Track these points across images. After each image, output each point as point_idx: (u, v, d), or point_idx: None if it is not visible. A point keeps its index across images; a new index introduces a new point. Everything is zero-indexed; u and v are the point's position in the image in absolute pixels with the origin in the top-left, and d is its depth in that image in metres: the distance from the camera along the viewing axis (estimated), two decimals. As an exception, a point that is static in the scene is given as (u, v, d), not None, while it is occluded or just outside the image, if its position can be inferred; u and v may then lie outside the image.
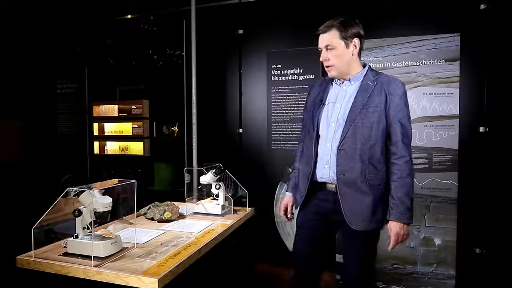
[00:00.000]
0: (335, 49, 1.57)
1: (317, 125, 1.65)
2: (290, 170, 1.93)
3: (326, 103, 1.66)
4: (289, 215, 1.84)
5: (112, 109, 3.62)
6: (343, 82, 1.65)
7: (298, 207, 1.75)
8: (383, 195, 1.56)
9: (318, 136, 1.65)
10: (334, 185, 1.59)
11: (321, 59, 1.62)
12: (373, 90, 1.56)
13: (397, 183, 1.53)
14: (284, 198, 1.87)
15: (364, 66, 1.65)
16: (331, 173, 1.60)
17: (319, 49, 1.63)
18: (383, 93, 1.55)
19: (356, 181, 1.53)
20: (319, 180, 1.64)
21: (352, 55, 1.60)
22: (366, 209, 1.54)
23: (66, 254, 1.40)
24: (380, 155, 1.56)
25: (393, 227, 1.53)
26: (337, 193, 1.58)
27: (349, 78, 1.63)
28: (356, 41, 1.59)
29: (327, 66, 1.61)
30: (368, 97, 1.55)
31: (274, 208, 2.89)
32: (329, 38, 1.58)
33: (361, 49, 1.62)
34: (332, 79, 1.69)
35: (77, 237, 1.40)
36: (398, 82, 1.59)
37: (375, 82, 1.58)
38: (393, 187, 1.54)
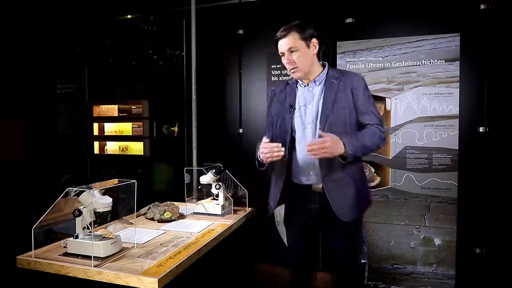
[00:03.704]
0: (298, 50, 1.62)
1: (292, 130, 1.68)
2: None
3: (297, 107, 1.69)
4: (279, 152, 1.57)
5: (112, 109, 3.62)
6: (308, 84, 1.70)
7: (273, 212, 1.80)
8: (362, 183, 1.69)
9: (292, 140, 1.68)
10: (320, 185, 1.64)
11: (285, 62, 1.66)
12: (339, 87, 1.63)
13: (366, 129, 1.60)
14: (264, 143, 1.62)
15: (323, 66, 1.71)
16: (316, 172, 1.65)
17: (280, 54, 1.67)
18: (348, 88, 1.62)
19: (341, 176, 1.60)
20: (305, 183, 1.69)
21: (313, 55, 1.66)
22: (352, 199, 1.61)
23: (66, 254, 1.40)
24: None
25: (329, 137, 1.46)
26: (322, 193, 1.64)
27: (314, 80, 1.68)
28: (314, 41, 1.65)
29: (292, 69, 1.65)
30: (336, 95, 1.62)
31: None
32: (291, 41, 1.62)
33: (318, 50, 1.69)
34: (296, 83, 1.74)
35: (77, 237, 1.40)
36: (359, 76, 1.69)
37: (339, 80, 1.65)
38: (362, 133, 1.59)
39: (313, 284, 1.88)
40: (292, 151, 1.69)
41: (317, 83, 1.68)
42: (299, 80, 1.73)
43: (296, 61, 1.62)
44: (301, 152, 1.67)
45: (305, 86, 1.71)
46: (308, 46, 1.63)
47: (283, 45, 1.63)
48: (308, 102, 1.68)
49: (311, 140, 1.61)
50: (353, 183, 1.62)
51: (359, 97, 1.62)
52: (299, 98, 1.71)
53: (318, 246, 1.88)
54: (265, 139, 1.60)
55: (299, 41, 1.61)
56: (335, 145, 1.46)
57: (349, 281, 1.76)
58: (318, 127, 1.61)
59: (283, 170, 1.70)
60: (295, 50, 1.61)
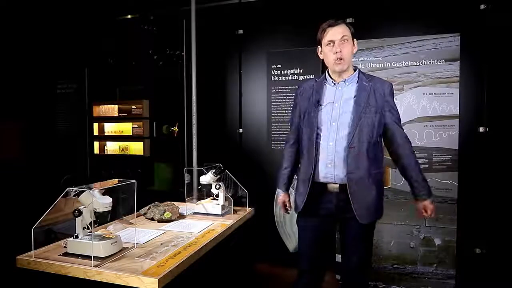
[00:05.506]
0: (348, 42, 1.64)
1: (317, 125, 1.66)
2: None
3: (324, 104, 1.69)
4: (288, 209, 1.89)
5: (112, 109, 3.62)
6: (338, 83, 1.70)
7: (299, 210, 1.74)
8: (382, 188, 1.69)
9: (317, 136, 1.67)
10: (337, 185, 1.63)
11: (335, 50, 1.63)
12: (370, 90, 1.64)
13: (411, 161, 1.65)
14: (280, 197, 1.88)
15: (354, 69, 1.72)
16: (336, 171, 1.63)
17: (329, 43, 1.65)
18: (379, 92, 1.64)
19: (364, 178, 1.60)
20: (322, 180, 1.67)
21: (352, 53, 1.68)
22: (372, 203, 1.62)
23: (66, 254, 1.40)
24: (379, 151, 1.66)
25: (428, 205, 1.64)
26: (339, 193, 1.63)
27: (344, 79, 1.68)
28: (355, 41, 1.68)
29: (339, 59, 1.63)
30: (368, 97, 1.63)
31: (274, 208, 2.89)
32: (343, 31, 1.63)
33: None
34: (324, 81, 1.74)
35: (77, 237, 1.40)
36: (389, 82, 1.72)
37: (370, 83, 1.66)
38: (408, 166, 1.65)
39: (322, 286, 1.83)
40: (317, 145, 1.67)
41: (347, 83, 1.68)
42: (327, 78, 1.73)
43: (344, 51, 1.62)
44: (324, 149, 1.66)
45: (334, 84, 1.70)
46: (353, 42, 1.67)
47: (336, 32, 1.63)
48: (336, 100, 1.67)
49: (333, 137, 1.64)
50: (375, 186, 1.63)
51: (389, 103, 1.66)
52: (327, 96, 1.70)
53: (330, 248, 1.84)
54: (281, 192, 1.82)
55: (349, 34, 1.65)
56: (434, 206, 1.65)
57: (361, 284, 1.75)
58: (347, 126, 1.61)
59: (311, 169, 1.67)
60: (346, 40, 1.63)
